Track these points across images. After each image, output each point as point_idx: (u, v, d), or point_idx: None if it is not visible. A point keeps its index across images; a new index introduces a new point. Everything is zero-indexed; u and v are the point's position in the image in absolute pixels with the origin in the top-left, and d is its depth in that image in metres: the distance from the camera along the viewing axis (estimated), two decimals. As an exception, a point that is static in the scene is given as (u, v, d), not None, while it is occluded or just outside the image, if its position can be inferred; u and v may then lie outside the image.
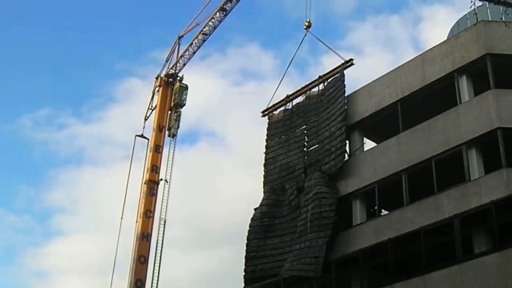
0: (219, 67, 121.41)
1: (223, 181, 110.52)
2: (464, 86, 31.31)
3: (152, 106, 54.78)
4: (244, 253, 37.01)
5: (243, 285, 36.33)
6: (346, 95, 36.69)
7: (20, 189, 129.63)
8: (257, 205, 38.08)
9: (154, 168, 51.38)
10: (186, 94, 53.92)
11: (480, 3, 25.53)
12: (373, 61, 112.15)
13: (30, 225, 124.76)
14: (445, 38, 35.35)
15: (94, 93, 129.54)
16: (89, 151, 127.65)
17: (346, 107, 36.11)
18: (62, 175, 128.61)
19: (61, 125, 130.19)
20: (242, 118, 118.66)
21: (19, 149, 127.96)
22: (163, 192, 51.08)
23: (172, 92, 54.03)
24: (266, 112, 41.74)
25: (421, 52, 34.28)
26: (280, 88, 41.78)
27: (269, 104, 41.61)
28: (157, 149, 52.16)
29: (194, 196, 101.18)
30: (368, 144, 36.58)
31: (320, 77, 39.01)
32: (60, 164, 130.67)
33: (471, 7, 24.69)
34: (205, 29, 51.10)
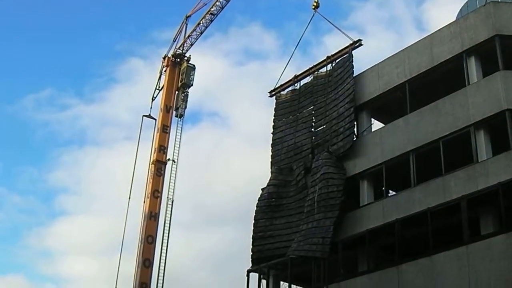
0: (221, 47, 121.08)
1: (226, 161, 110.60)
2: (472, 67, 31.21)
3: (159, 87, 54.80)
4: (251, 233, 37.17)
5: (247, 264, 36.53)
6: (354, 75, 36.67)
7: (23, 170, 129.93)
8: (262, 185, 38.18)
9: (162, 149, 51.50)
10: (193, 74, 53.96)
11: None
12: (376, 41, 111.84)
13: (34, 206, 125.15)
14: (450, 19, 35.29)
15: (95, 74, 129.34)
16: (91, 132, 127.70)
17: (354, 87, 36.07)
18: (64, 155, 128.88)
19: (63, 105, 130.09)
20: (245, 98, 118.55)
21: (22, 130, 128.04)
22: (171, 172, 51.29)
23: (179, 72, 54.03)
24: (273, 93, 41.73)
25: (426, 33, 34.24)
26: (282, 68, 41.73)
27: (276, 84, 41.64)
28: (165, 129, 52.25)
29: (197, 175, 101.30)
30: (376, 125, 36.60)
31: (328, 57, 38.94)
32: (62, 144, 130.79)
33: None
34: (212, 9, 51.13)
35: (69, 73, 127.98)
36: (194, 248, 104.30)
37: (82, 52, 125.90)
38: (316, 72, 39.61)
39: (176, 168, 51.33)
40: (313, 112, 38.49)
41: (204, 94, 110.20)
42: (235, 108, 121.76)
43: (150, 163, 51.35)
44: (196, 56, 54.87)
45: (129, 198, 51.55)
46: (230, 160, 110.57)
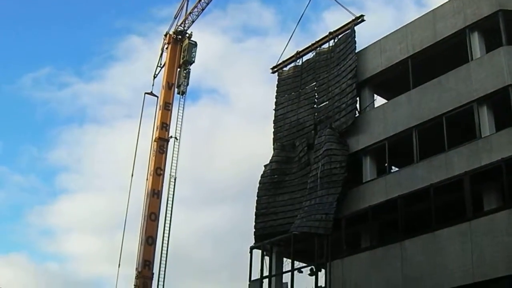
0: (219, 24, 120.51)
1: (226, 138, 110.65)
2: (475, 42, 31.03)
3: (161, 64, 54.77)
4: (254, 210, 37.23)
5: (248, 241, 36.62)
6: (356, 51, 36.52)
7: (24, 149, 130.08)
8: (262, 161, 38.24)
9: (164, 126, 51.62)
10: (195, 51, 53.97)
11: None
12: (376, 17, 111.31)
13: (35, 184, 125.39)
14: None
15: (94, 52, 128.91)
16: (91, 110, 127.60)
17: (356, 63, 35.95)
18: (64, 134, 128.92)
19: (62, 84, 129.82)
20: (244, 75, 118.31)
21: (21, 108, 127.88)
22: (173, 150, 51.37)
23: (181, 49, 53.95)
24: (276, 69, 41.61)
25: (426, 9, 34.10)
26: (282, 44, 41.65)
27: (278, 61, 41.52)
28: (167, 106, 52.33)
29: (198, 153, 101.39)
30: (379, 100, 36.49)
31: (330, 33, 38.77)
32: (62, 123, 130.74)
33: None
34: (214, -14, 50.93)
35: (67, 51, 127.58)
36: (194, 225, 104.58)
37: (80, 30, 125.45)
38: (318, 48, 39.46)
39: (179, 146, 51.46)
40: (315, 88, 38.40)
41: (203, 71, 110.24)
42: (235, 85, 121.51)
43: (153, 140, 51.46)
44: (194, 33, 54.87)
45: (132, 175, 51.73)
46: (230, 137, 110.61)
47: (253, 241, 36.73)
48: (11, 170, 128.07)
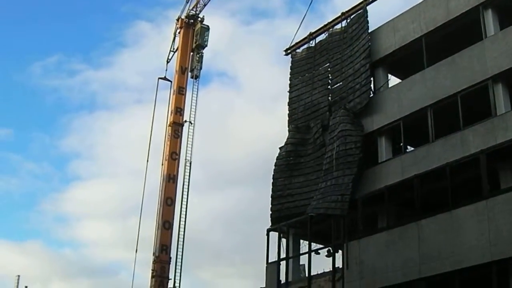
0: (227, 7, 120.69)
1: (236, 121, 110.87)
2: (489, 20, 30.78)
3: (173, 48, 54.80)
4: (270, 192, 37.29)
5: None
6: (369, 31, 36.37)
7: (35, 137, 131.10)
8: (273, 143, 38.39)
9: (178, 110, 51.74)
10: (207, 35, 53.97)
11: None
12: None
13: (48, 172, 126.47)
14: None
15: (102, 38, 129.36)
16: (101, 97, 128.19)
17: (369, 43, 35.81)
18: (75, 121, 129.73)
19: (71, 71, 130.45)
20: (253, 57, 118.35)
21: (31, 97, 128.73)
22: (188, 134, 51.50)
23: (193, 34, 53.95)
24: (289, 51, 41.52)
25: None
26: (290, 26, 41.54)
27: (292, 42, 41.43)
28: (181, 91, 52.42)
29: (208, 136, 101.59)
30: (393, 80, 36.35)
31: (342, 13, 38.59)
32: (72, 110, 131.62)
33: None
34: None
35: (75, 39, 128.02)
36: (205, 208, 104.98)
37: (87, 17, 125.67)
38: (331, 29, 39.32)
39: (193, 130, 51.57)
40: (329, 69, 38.30)
41: (212, 54, 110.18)
42: (243, 67, 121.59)
43: (167, 125, 51.56)
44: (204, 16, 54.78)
45: (147, 161, 51.94)
46: (239, 119, 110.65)
47: (266, 224, 36.94)
48: (24, 158, 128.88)
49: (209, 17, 54.50)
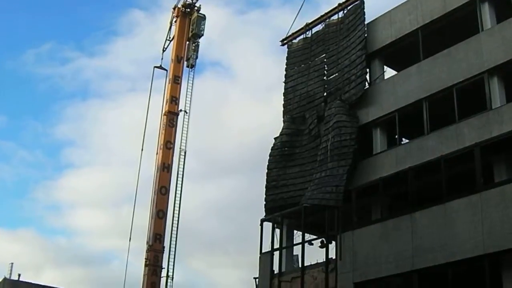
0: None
1: (230, 111, 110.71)
2: (486, 13, 30.75)
3: (169, 37, 54.61)
4: (264, 183, 37.30)
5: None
6: (365, 22, 36.32)
7: (28, 124, 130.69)
8: (266, 133, 38.51)
9: (174, 99, 51.58)
10: (204, 24, 53.80)
11: None
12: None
13: (40, 159, 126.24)
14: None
15: (96, 26, 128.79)
16: (94, 85, 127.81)
17: (366, 35, 35.78)
18: (68, 109, 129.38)
19: (64, 59, 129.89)
20: (247, 47, 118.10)
21: (24, 84, 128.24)
22: (183, 123, 51.40)
23: (189, 23, 53.79)
24: (285, 41, 41.45)
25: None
26: (285, 16, 41.53)
27: (288, 33, 41.33)
28: (176, 80, 52.26)
29: (202, 126, 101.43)
30: (389, 72, 36.32)
31: (339, 4, 38.51)
32: (65, 98, 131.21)
33: None
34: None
35: (68, 26, 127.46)
36: (199, 198, 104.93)
37: (80, 5, 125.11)
38: (327, 20, 39.25)
39: (188, 119, 51.49)
40: (325, 60, 38.25)
41: (205, 43, 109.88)
42: (238, 57, 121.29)
43: (162, 114, 51.46)
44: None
45: (142, 149, 51.85)
46: (233, 109, 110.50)
47: (260, 214, 36.95)
48: (17, 145, 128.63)
49: (204, 6, 54.37)
